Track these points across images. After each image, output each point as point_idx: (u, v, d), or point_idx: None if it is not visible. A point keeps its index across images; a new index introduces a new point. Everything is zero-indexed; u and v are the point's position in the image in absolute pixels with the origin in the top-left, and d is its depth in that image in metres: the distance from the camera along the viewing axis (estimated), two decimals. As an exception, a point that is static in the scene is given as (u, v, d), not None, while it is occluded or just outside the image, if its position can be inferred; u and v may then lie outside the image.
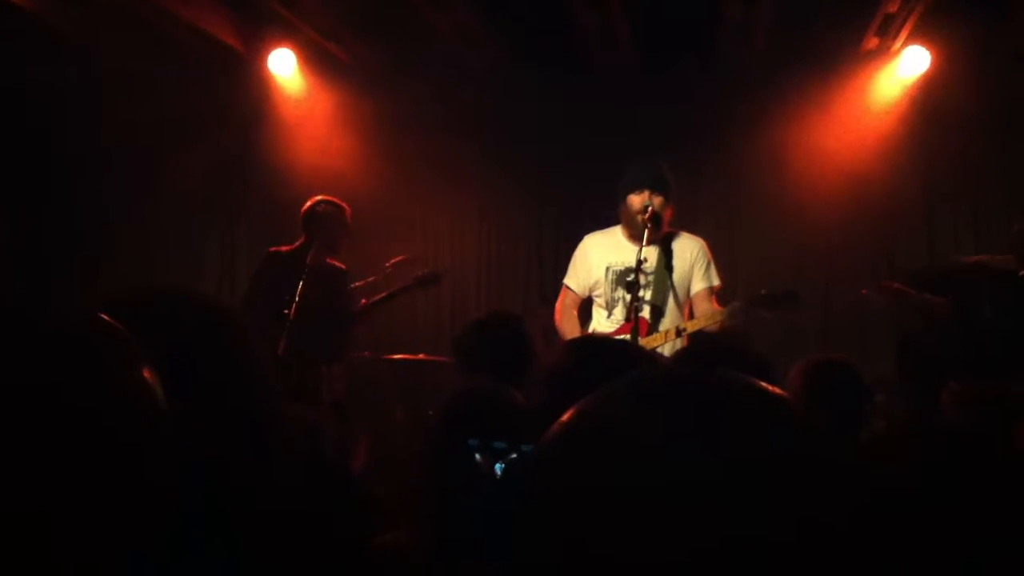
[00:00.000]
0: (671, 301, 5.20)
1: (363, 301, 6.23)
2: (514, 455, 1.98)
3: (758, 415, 0.80)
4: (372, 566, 1.79)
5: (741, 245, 7.65)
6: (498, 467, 2.00)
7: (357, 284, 6.43)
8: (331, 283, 6.05)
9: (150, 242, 8.20)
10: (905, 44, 7.20)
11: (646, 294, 5.13)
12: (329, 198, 6.14)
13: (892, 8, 6.61)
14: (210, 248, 8.54)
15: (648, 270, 5.13)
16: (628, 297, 5.05)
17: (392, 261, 6.65)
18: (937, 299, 5.71)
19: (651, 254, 5.15)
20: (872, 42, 7.22)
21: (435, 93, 7.86)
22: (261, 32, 7.43)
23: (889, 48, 7.28)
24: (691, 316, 5.23)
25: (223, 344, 1.22)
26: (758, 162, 7.57)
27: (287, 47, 7.55)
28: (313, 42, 7.45)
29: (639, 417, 0.80)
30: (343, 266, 6.25)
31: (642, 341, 4.94)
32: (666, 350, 5.04)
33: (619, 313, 5.21)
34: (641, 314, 5.01)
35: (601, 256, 5.34)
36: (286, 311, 5.54)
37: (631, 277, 4.97)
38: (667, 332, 5.10)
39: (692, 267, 5.25)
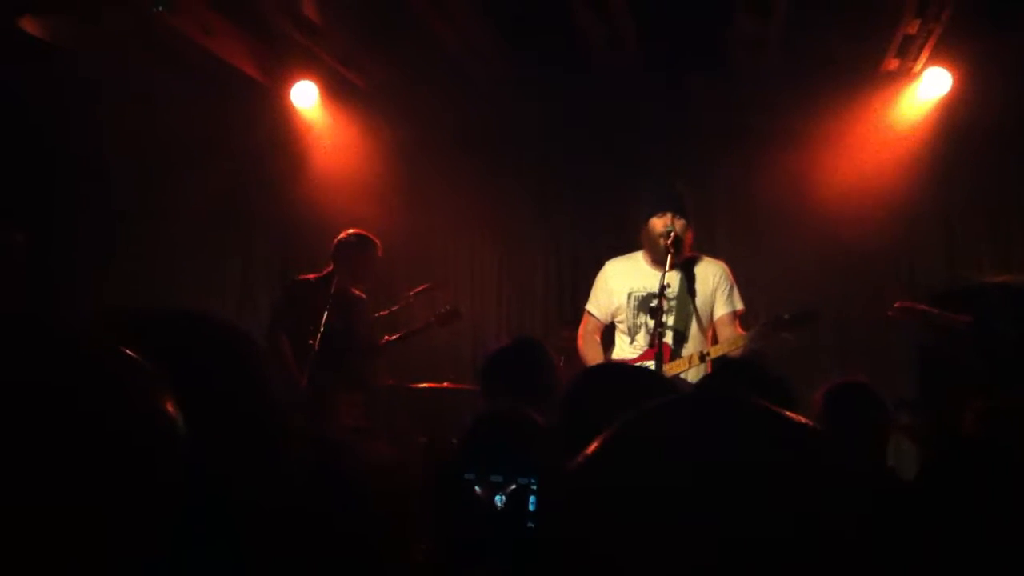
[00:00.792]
0: (694, 326, 5.18)
1: (385, 337, 6.27)
2: (513, 487, 1.99)
3: (780, 443, 0.80)
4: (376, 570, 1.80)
5: (758, 262, 7.63)
6: (498, 499, 2.01)
7: (380, 313, 6.46)
8: (354, 312, 6.11)
9: (162, 261, 8.24)
10: (926, 65, 7.18)
11: (668, 319, 5.10)
12: (362, 232, 6.24)
13: (911, 30, 6.60)
14: (225, 269, 8.59)
15: (670, 295, 5.11)
16: (650, 322, 5.03)
17: (415, 291, 6.70)
18: (960, 318, 5.69)
19: (673, 279, 5.13)
20: (892, 63, 7.21)
21: (450, 115, 7.89)
22: (282, 63, 7.50)
23: (910, 70, 7.26)
24: (714, 341, 5.21)
25: (236, 364, 1.23)
26: (775, 178, 7.55)
27: (308, 78, 7.61)
28: (332, 70, 7.51)
29: (664, 443, 0.80)
30: (364, 295, 6.31)
31: (666, 367, 4.93)
32: (690, 376, 5.02)
33: (642, 339, 5.19)
34: (664, 340, 4.99)
35: (622, 282, 5.33)
36: (311, 340, 5.61)
37: (654, 303, 4.95)
38: (690, 357, 5.08)
39: (714, 291, 5.23)
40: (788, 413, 0.84)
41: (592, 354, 5.36)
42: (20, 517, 0.84)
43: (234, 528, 1.15)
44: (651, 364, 4.88)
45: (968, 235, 7.66)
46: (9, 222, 5.93)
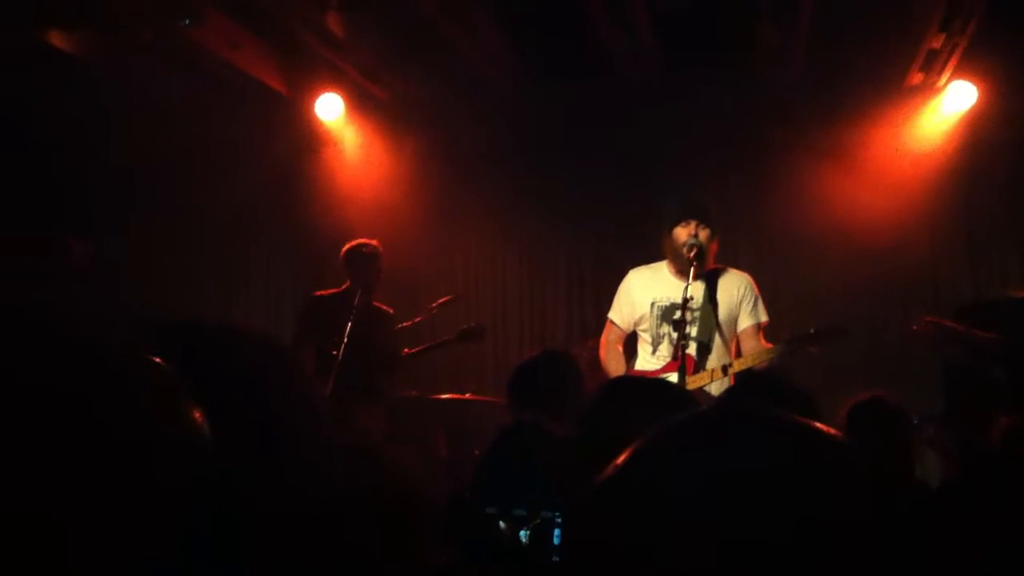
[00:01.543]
0: (717, 338, 5.14)
1: (404, 351, 6.27)
2: (538, 521, 1.98)
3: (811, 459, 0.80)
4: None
5: (782, 275, 7.61)
6: (523, 534, 2.00)
7: (404, 325, 6.47)
8: (378, 325, 6.12)
9: (185, 273, 8.28)
10: (950, 79, 7.15)
11: (692, 331, 5.06)
12: (363, 240, 6.21)
13: (936, 44, 6.58)
14: (249, 281, 8.62)
15: (694, 306, 5.06)
16: (674, 334, 4.99)
17: (437, 302, 6.70)
18: (984, 335, 5.64)
19: (697, 290, 5.09)
20: (916, 77, 7.19)
21: (472, 127, 7.92)
22: (307, 76, 7.54)
23: (934, 84, 7.24)
24: (738, 353, 5.18)
25: (275, 379, 1.23)
26: (799, 193, 7.55)
27: (332, 91, 7.65)
28: (356, 83, 7.55)
29: (691, 457, 0.81)
30: (391, 310, 6.32)
31: (688, 379, 4.90)
32: (713, 388, 5.00)
33: (664, 349, 5.16)
34: (687, 351, 4.97)
35: (646, 291, 5.30)
36: (334, 352, 5.63)
37: (677, 315, 4.91)
38: (713, 371, 5.04)
39: (739, 303, 5.20)
40: (816, 424, 0.84)
41: (614, 364, 5.33)
42: (29, 521, 0.85)
43: (256, 537, 1.15)
44: (674, 376, 4.85)
45: (992, 249, 7.62)
46: (71, 231, 5.99)
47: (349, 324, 5.70)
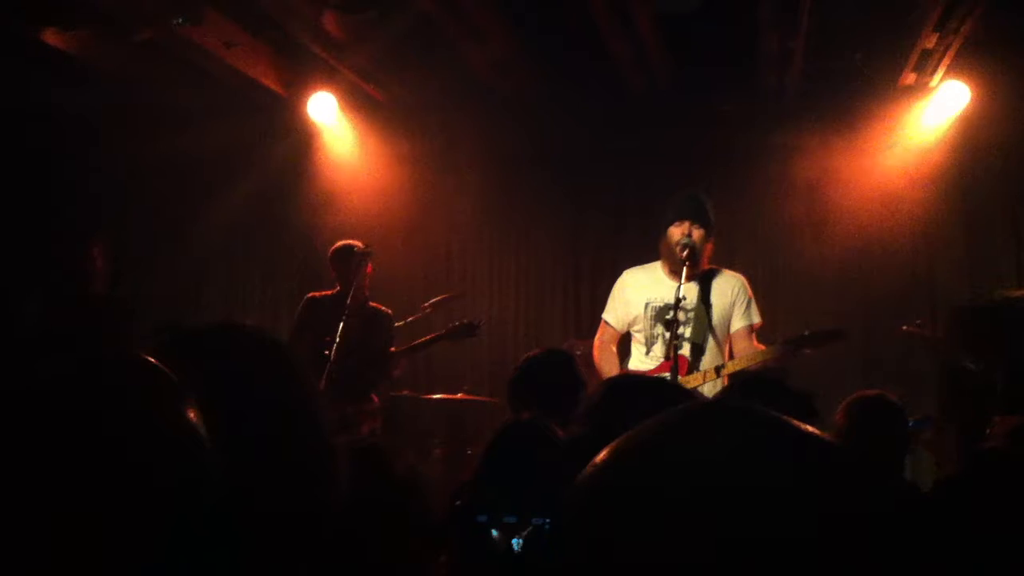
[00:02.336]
0: (711, 339, 5.14)
1: (391, 349, 6.24)
2: (529, 529, 1.98)
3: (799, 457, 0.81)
4: None
5: (780, 275, 7.62)
6: (515, 543, 2.00)
7: (398, 324, 6.47)
8: (374, 326, 6.13)
9: (184, 276, 8.28)
10: (943, 79, 7.16)
11: (685, 331, 5.07)
12: (348, 241, 6.20)
13: (929, 44, 6.59)
14: (247, 282, 8.61)
15: (687, 307, 5.08)
16: (667, 334, 5.00)
17: (431, 301, 6.71)
18: (954, 348, 5.66)
19: (690, 291, 5.09)
20: (909, 78, 7.19)
21: (469, 129, 7.91)
22: (303, 76, 7.53)
23: (926, 84, 7.25)
24: (731, 354, 5.18)
25: (277, 376, 1.24)
26: (796, 194, 7.57)
27: (328, 91, 7.63)
28: (352, 84, 7.54)
29: (681, 452, 0.81)
30: (389, 311, 6.31)
31: (681, 380, 4.89)
32: (706, 390, 4.99)
33: (658, 350, 5.16)
34: (680, 352, 4.96)
35: (640, 291, 5.29)
36: (327, 352, 5.64)
37: (670, 315, 4.92)
38: (706, 372, 5.04)
39: (732, 305, 5.20)
40: (807, 427, 0.84)
41: (608, 365, 5.32)
42: (29, 521, 0.85)
43: (256, 537, 1.16)
44: (667, 376, 4.85)
45: (989, 250, 7.63)
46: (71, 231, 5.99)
47: (341, 324, 5.72)
